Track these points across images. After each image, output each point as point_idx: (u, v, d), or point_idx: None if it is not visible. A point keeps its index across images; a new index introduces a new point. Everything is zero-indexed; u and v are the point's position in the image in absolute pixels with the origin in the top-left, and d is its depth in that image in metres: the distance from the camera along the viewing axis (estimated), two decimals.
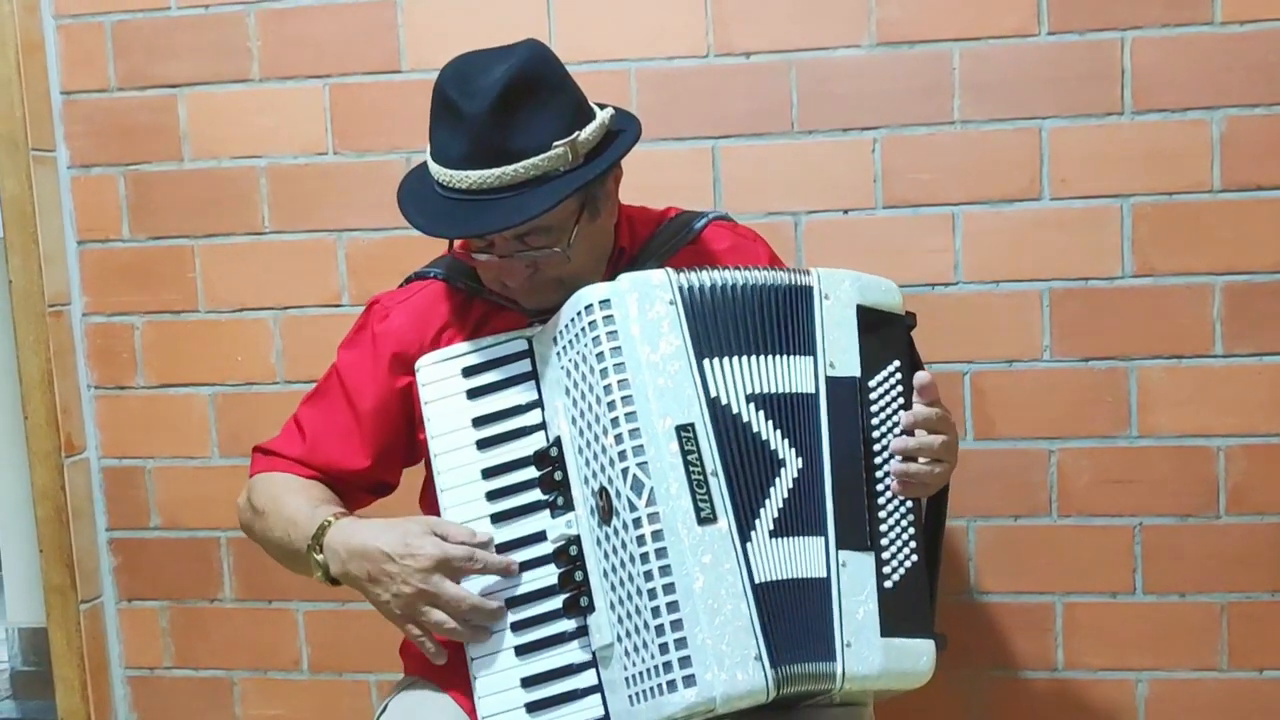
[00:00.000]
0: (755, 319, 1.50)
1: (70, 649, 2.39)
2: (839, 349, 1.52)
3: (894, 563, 1.49)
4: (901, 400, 1.54)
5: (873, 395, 1.53)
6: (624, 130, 1.60)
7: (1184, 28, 2.03)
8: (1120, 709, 2.15)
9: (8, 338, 2.44)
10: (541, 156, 1.48)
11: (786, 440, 1.48)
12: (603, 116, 1.56)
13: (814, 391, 1.50)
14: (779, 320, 1.51)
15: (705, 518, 1.41)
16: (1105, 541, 2.13)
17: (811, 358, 1.51)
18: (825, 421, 1.49)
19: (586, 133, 1.52)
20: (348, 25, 2.24)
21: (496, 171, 1.48)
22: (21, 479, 2.48)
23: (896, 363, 1.56)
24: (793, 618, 1.43)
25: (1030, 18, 2.06)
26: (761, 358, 1.49)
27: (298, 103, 2.27)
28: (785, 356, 1.50)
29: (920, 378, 1.54)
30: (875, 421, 1.52)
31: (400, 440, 1.68)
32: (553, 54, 1.56)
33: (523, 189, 1.49)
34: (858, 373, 1.52)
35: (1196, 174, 2.05)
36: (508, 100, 1.47)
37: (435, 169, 1.53)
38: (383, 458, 1.68)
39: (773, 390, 1.49)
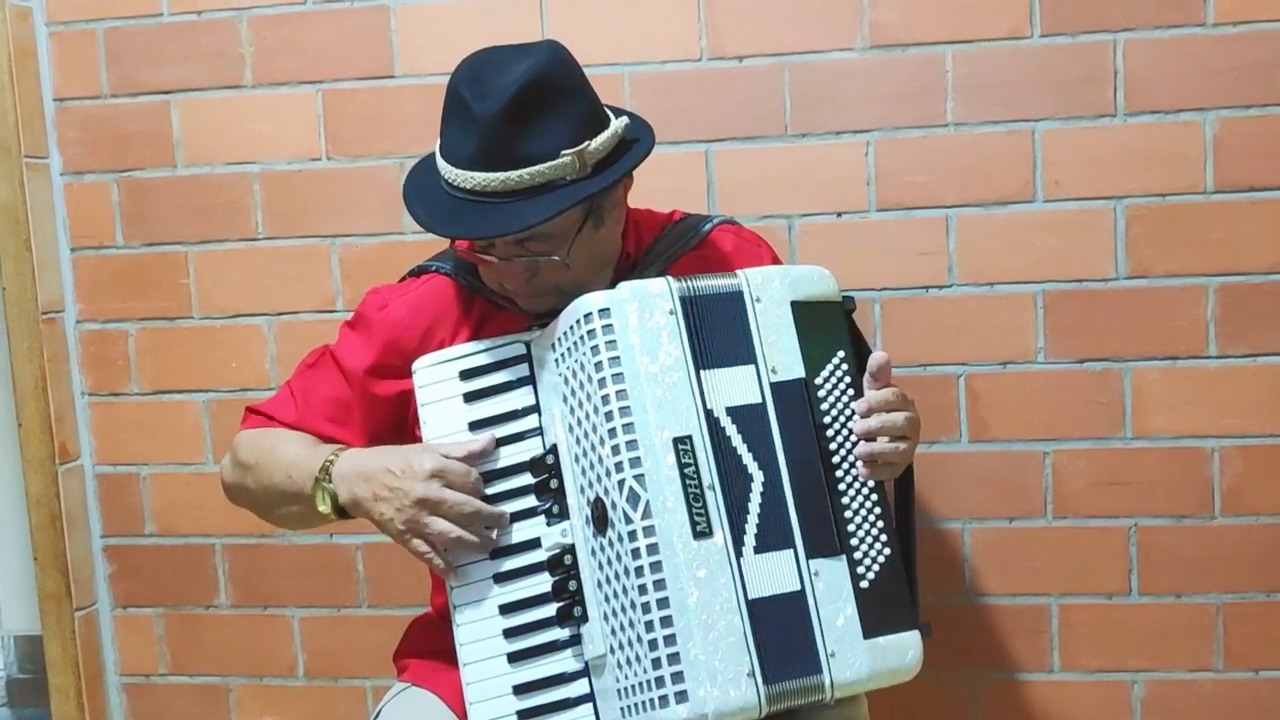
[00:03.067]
0: (719, 329, 1.49)
1: (65, 657, 2.39)
2: (779, 351, 1.49)
3: (867, 561, 1.47)
4: (851, 392, 1.52)
5: (821, 393, 1.51)
6: (638, 140, 1.58)
7: (1176, 29, 2.03)
8: (1116, 710, 2.15)
9: (1, 345, 2.44)
10: (548, 165, 1.48)
11: (751, 454, 1.47)
12: (616, 125, 1.55)
13: (760, 400, 1.48)
14: (720, 329, 1.49)
15: (701, 531, 1.40)
16: (1100, 543, 2.13)
17: (752, 365, 1.49)
18: (776, 430, 1.47)
19: (597, 143, 1.51)
20: (341, 31, 2.24)
21: (502, 176, 1.47)
22: (16, 486, 2.48)
23: (841, 353, 1.53)
24: (780, 633, 1.42)
25: (1023, 20, 2.06)
26: (728, 369, 1.48)
27: (291, 109, 2.27)
28: (732, 367, 1.48)
29: (875, 359, 1.52)
30: (827, 420, 1.50)
31: (387, 427, 1.67)
32: (572, 58, 1.55)
33: (527, 195, 1.48)
34: (802, 374, 1.50)
35: (1189, 175, 2.05)
36: (520, 105, 1.46)
37: (442, 165, 1.53)
38: (369, 441, 1.67)
39: (737, 403, 1.47)
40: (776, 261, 1.77)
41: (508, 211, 1.48)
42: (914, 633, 1.48)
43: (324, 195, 2.27)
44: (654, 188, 2.00)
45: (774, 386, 1.48)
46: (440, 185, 1.54)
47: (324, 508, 1.57)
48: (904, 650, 1.46)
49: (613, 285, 1.56)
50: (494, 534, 1.52)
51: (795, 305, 1.51)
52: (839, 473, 1.49)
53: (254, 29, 2.26)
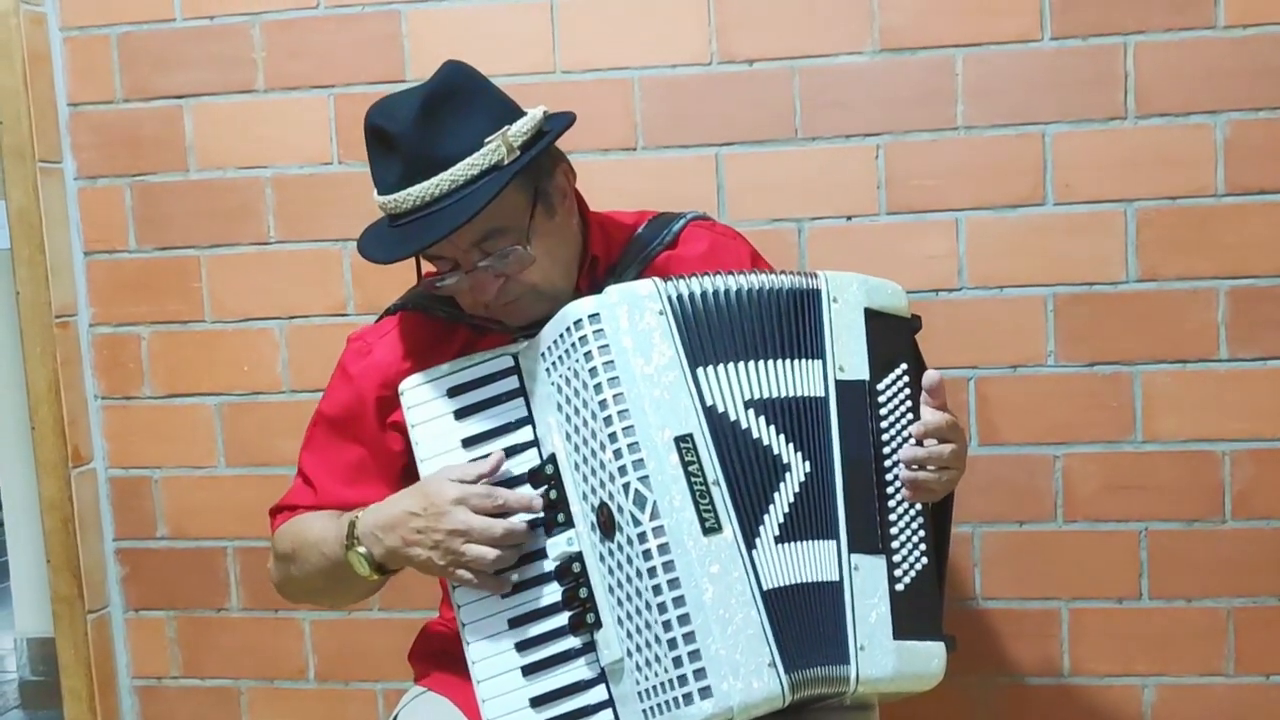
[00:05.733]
0: (757, 324, 1.49)
1: (78, 659, 2.39)
2: (848, 352, 1.52)
3: (904, 565, 1.49)
4: (910, 403, 1.54)
5: (881, 398, 1.52)
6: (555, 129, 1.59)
7: (1186, 32, 2.03)
8: (1127, 715, 2.15)
9: (15, 349, 2.45)
10: (476, 154, 1.48)
11: (791, 445, 1.47)
12: (535, 113, 1.55)
13: (823, 395, 1.50)
14: (785, 324, 1.50)
15: (710, 528, 1.40)
16: (1111, 547, 2.12)
17: (820, 361, 1.50)
18: (835, 425, 1.49)
19: (517, 127, 1.51)
20: (352, 36, 2.25)
21: (434, 181, 1.48)
22: (29, 490, 2.49)
23: (904, 365, 1.55)
24: (804, 622, 1.42)
25: (1033, 23, 2.06)
26: (763, 362, 1.48)
27: (303, 113, 2.28)
28: (792, 360, 1.49)
29: (930, 377, 1.54)
30: (884, 425, 1.52)
31: (399, 466, 1.65)
32: (471, 67, 1.57)
33: (465, 190, 1.49)
34: (867, 376, 1.52)
35: (1200, 178, 2.05)
36: (429, 112, 1.48)
37: (380, 200, 1.54)
38: (391, 487, 1.64)
39: (775, 395, 1.48)
40: (755, 255, 1.77)
41: (453, 209, 1.48)
42: (940, 643, 1.49)
43: (335, 199, 2.28)
44: (664, 191, 2.01)
45: (839, 384, 1.50)
46: (385, 225, 1.55)
47: (363, 570, 1.54)
48: (929, 658, 1.48)
49: (581, 289, 1.56)
50: (520, 549, 1.50)
51: (868, 312, 1.54)
52: (888, 477, 1.51)
53: (266, 34, 2.27)
